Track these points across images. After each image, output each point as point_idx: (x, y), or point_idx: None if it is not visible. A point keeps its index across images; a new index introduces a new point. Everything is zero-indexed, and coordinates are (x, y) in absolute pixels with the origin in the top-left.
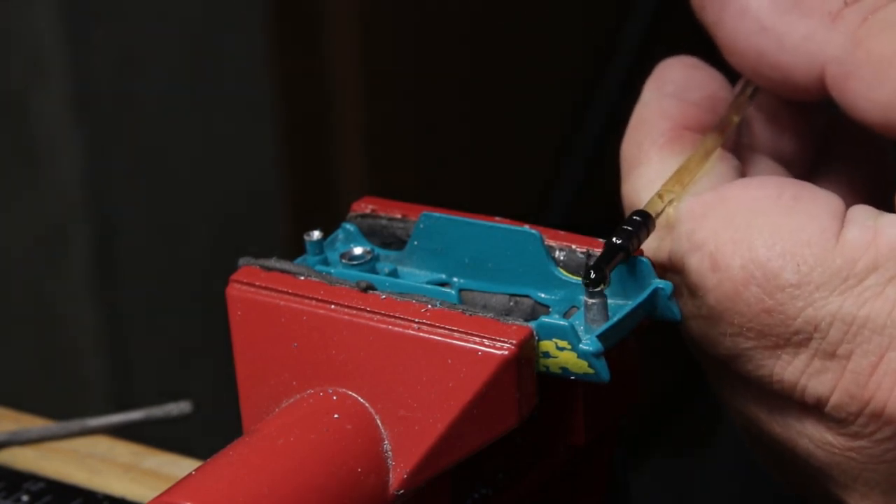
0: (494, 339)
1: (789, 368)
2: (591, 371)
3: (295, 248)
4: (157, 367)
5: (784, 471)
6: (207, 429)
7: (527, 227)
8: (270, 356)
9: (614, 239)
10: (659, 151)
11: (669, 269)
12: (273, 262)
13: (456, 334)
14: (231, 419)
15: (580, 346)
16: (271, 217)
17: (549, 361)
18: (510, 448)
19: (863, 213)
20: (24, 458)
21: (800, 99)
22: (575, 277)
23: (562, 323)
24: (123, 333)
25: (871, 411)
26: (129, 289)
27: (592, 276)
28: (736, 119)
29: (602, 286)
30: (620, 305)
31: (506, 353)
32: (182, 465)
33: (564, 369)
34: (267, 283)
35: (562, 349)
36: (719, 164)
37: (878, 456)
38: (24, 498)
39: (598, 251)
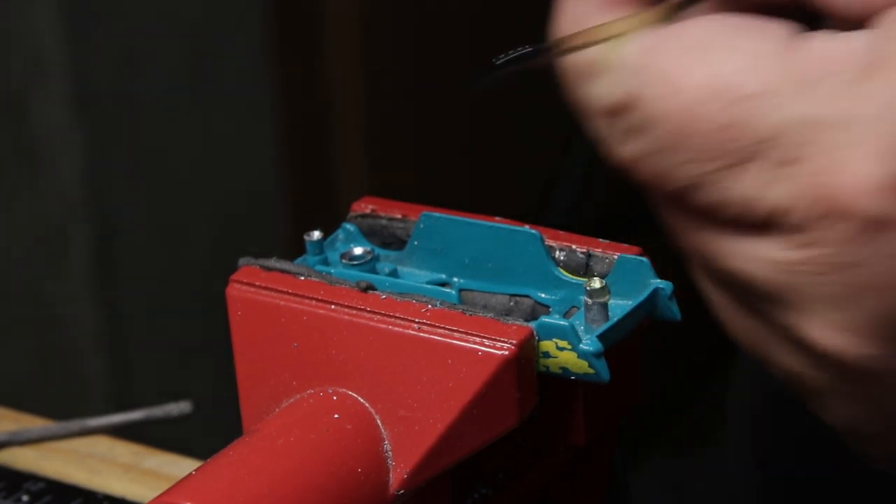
0: (494, 339)
1: (749, 184)
2: (591, 371)
3: (295, 248)
4: (157, 367)
5: (742, 317)
6: (207, 429)
7: (527, 227)
8: (270, 356)
9: (528, 47)
10: (600, 10)
11: (624, 108)
12: (273, 262)
13: (456, 334)
14: (231, 419)
15: (580, 346)
16: (271, 217)
17: (550, 361)
18: (510, 448)
19: (819, 32)
20: (24, 458)
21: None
22: (575, 277)
23: (562, 323)
24: (123, 333)
25: (827, 212)
26: (129, 289)
27: (498, 59)
28: (685, 5)
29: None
30: (620, 305)
31: (506, 353)
32: (182, 465)
33: (564, 369)
34: (267, 283)
35: (562, 349)
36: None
37: (830, 263)
38: (24, 498)
39: (598, 251)
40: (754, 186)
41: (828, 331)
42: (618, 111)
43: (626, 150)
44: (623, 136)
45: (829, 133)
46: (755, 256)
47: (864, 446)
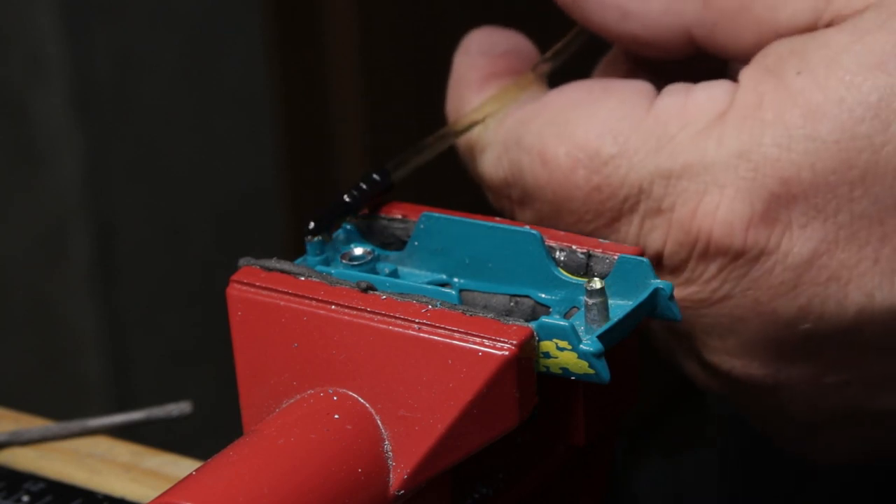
0: (495, 340)
1: (629, 236)
2: (591, 371)
3: (295, 249)
4: (157, 367)
5: (672, 350)
6: (207, 429)
7: (527, 227)
8: (271, 356)
9: (345, 197)
10: (477, 93)
11: (508, 183)
12: (273, 263)
13: (456, 335)
14: (231, 419)
15: (580, 346)
16: (271, 217)
17: (550, 362)
18: (510, 448)
19: (675, 87)
20: (24, 458)
21: (671, 57)
22: (575, 278)
23: (562, 323)
24: (123, 333)
25: (697, 252)
26: (129, 289)
27: (312, 227)
28: (556, 59)
29: (321, 237)
30: (620, 305)
31: (506, 353)
32: (182, 465)
33: (565, 370)
34: (267, 284)
35: (562, 349)
36: (538, 87)
37: (707, 299)
38: (25, 498)
39: (598, 251)
40: (634, 237)
41: (718, 356)
42: (504, 186)
43: (522, 218)
44: (514, 206)
45: (689, 180)
46: None
47: (784, 445)
